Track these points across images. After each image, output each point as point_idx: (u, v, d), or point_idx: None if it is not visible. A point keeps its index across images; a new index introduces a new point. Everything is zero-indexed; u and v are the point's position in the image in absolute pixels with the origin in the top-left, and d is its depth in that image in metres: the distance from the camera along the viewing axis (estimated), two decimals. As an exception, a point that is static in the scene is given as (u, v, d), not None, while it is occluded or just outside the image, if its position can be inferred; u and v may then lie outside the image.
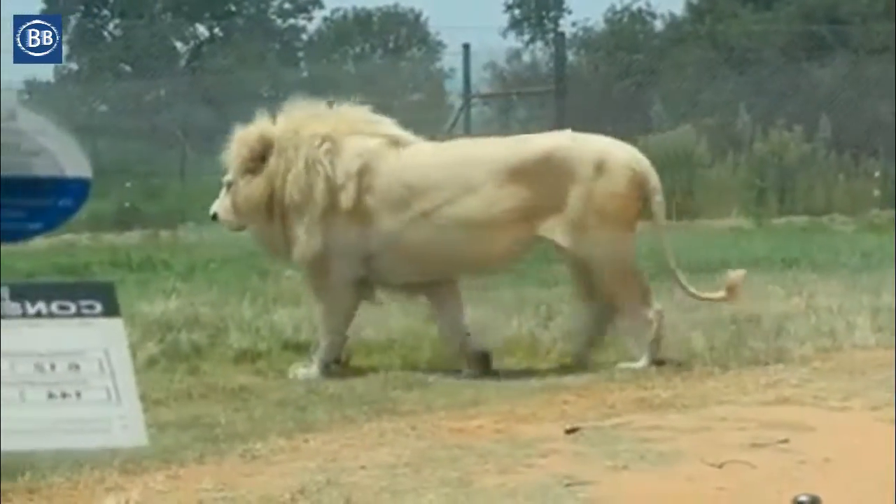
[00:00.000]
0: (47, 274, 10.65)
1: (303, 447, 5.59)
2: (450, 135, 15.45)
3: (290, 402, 6.47)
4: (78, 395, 1.88)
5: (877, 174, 18.61)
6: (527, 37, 39.47)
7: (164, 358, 7.41)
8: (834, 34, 25.40)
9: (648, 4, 36.79)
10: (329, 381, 6.99)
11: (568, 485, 4.93)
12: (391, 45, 40.37)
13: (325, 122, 7.50)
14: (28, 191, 1.95)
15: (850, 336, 7.97)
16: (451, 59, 26.17)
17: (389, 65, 34.74)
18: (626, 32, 33.51)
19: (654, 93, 21.98)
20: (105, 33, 38.20)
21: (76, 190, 1.97)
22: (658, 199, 7.46)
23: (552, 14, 40.65)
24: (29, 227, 1.97)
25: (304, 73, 32.99)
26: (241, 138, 7.51)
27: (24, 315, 1.91)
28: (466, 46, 19.71)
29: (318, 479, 5.01)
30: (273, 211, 7.44)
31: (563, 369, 7.29)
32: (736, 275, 7.60)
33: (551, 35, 32.64)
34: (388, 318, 8.05)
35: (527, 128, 14.72)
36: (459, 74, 20.29)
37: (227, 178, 7.60)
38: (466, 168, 7.40)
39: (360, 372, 7.25)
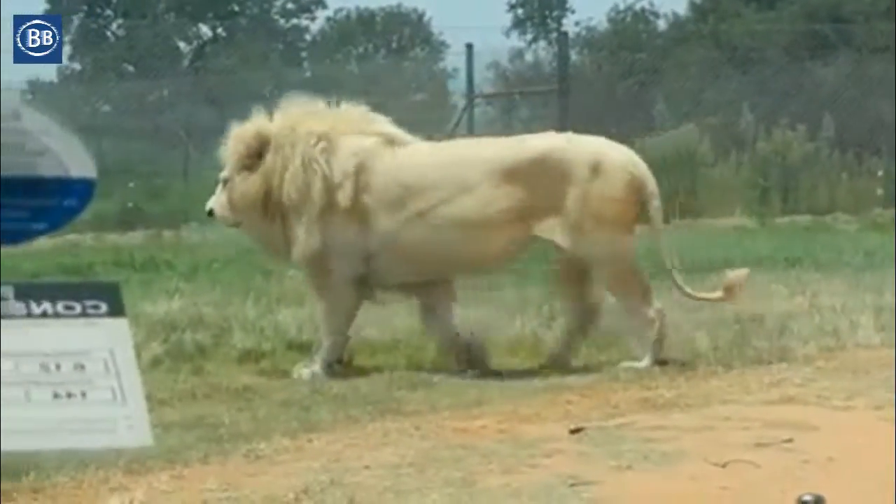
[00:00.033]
0: (51, 274, 10.66)
1: (307, 447, 5.59)
2: (450, 135, 15.44)
3: (294, 402, 6.47)
4: (83, 395, 1.88)
5: (880, 173, 18.59)
6: (530, 36, 39.50)
7: (167, 358, 7.41)
8: (837, 33, 25.39)
9: (651, 4, 36.78)
10: (333, 381, 6.99)
11: (572, 485, 4.93)
12: (394, 45, 40.37)
13: (322, 119, 7.51)
14: (32, 191, 1.95)
15: (853, 335, 7.97)
16: (454, 59, 26.16)
17: (392, 65, 34.75)
18: (630, 32, 33.50)
19: (657, 92, 21.98)
20: (108, 33, 38.23)
21: (81, 190, 1.97)
22: (655, 203, 7.46)
23: (555, 13, 40.66)
24: (33, 227, 1.97)
25: (308, 74, 32.99)
26: (238, 135, 7.52)
27: (30, 315, 1.92)
28: (469, 46, 19.70)
29: (321, 479, 5.01)
30: (269, 209, 7.45)
31: (567, 369, 7.29)
32: (734, 275, 7.60)
33: (554, 35, 32.65)
34: (392, 318, 8.05)
35: (530, 128, 14.69)
36: (462, 74, 20.28)
37: (224, 174, 7.61)
38: (462, 168, 7.42)
39: (364, 372, 7.25)
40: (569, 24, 37.35)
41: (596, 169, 7.33)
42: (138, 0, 37.11)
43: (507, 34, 38.59)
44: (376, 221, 7.38)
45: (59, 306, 1.93)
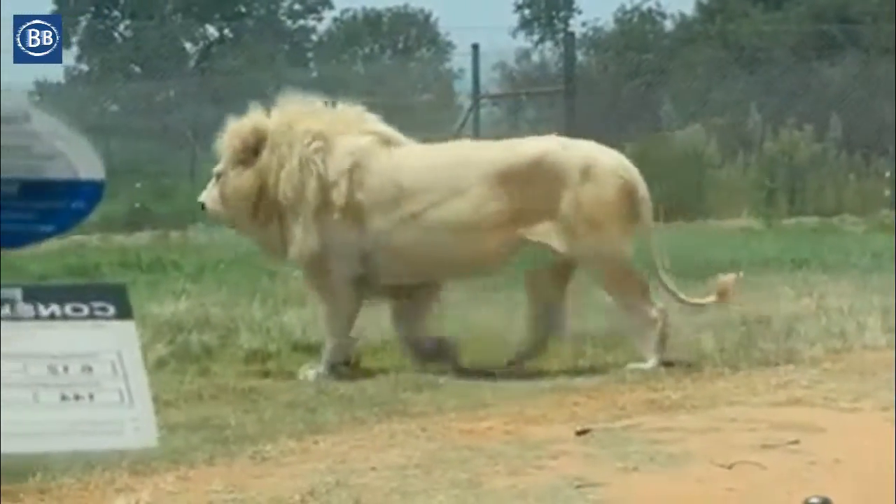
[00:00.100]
0: (58, 275, 10.67)
1: (313, 449, 5.59)
2: (456, 135, 15.44)
3: (300, 404, 6.47)
4: (91, 396, 1.89)
5: (888, 174, 18.56)
6: (536, 37, 39.49)
7: (174, 359, 7.41)
8: (844, 34, 25.38)
9: (658, 4, 36.81)
10: (339, 383, 6.99)
11: (578, 486, 4.93)
12: (401, 45, 40.40)
13: (318, 118, 7.53)
14: (41, 193, 1.95)
15: (860, 337, 7.96)
16: (460, 60, 26.16)
17: (399, 65, 34.75)
18: (636, 32, 33.50)
19: (663, 92, 21.97)
20: (115, 34, 38.26)
21: (89, 192, 1.97)
22: (646, 207, 7.48)
23: (562, 14, 40.65)
24: (41, 229, 1.98)
25: (314, 74, 32.99)
26: (235, 129, 7.53)
27: (38, 317, 1.92)
28: (476, 47, 19.69)
29: (327, 480, 5.02)
30: (262, 206, 7.45)
31: (573, 371, 7.29)
32: (727, 278, 7.62)
33: (561, 35, 32.59)
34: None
35: (536, 128, 14.69)
36: (469, 75, 20.26)
37: (218, 168, 7.62)
38: (456, 170, 7.43)
39: (370, 373, 7.25)
40: (575, 25, 37.39)
41: (586, 173, 7.35)
42: (146, 1, 37.16)
43: (514, 35, 38.65)
44: (371, 221, 7.40)
45: (67, 308, 1.93)
